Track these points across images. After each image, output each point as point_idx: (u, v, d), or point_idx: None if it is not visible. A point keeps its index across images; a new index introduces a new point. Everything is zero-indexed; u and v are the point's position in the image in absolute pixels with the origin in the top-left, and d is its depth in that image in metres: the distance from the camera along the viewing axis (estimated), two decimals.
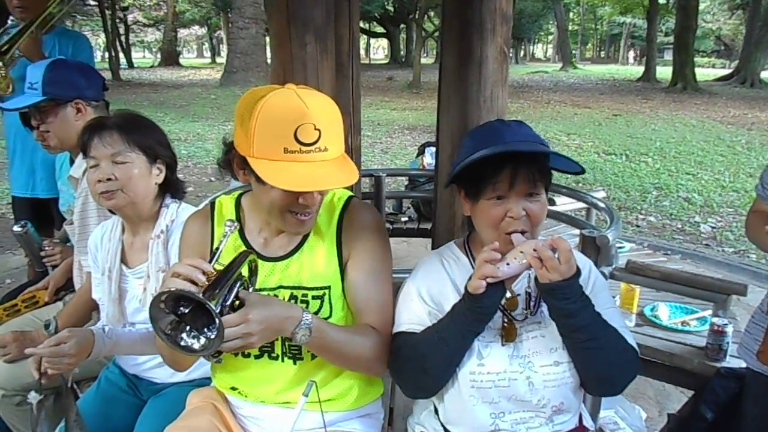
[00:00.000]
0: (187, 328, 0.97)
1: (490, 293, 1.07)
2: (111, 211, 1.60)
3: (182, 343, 0.97)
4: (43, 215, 2.62)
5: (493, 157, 1.10)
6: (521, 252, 1.05)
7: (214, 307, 0.92)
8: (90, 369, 1.74)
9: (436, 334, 1.14)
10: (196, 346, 0.97)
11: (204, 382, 1.46)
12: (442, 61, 2.15)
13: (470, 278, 1.09)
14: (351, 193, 1.29)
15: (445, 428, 1.25)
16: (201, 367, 1.49)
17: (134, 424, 1.49)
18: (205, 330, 0.96)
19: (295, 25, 1.77)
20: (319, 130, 1.03)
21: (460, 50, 2.05)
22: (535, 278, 1.08)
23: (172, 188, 1.59)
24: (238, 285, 1.03)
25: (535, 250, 1.04)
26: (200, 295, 0.93)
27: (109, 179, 1.46)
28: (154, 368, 1.57)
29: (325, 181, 1.05)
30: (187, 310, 0.97)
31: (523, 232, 1.11)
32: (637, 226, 5.52)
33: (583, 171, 1.16)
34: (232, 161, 1.15)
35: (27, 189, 2.69)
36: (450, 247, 1.31)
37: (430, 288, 1.22)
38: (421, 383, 1.18)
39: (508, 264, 1.05)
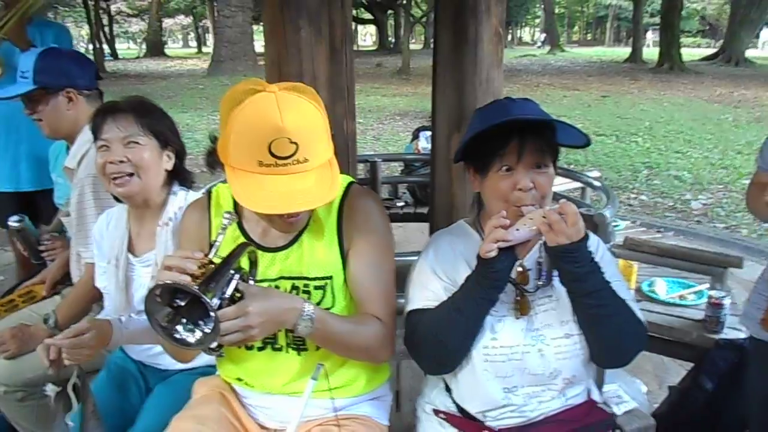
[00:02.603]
0: (183, 320, 0.95)
1: (502, 258, 1.08)
2: (116, 199, 1.58)
3: (177, 336, 0.95)
4: (29, 210, 2.55)
5: (501, 130, 1.10)
6: (530, 219, 1.07)
7: (208, 300, 0.90)
8: (94, 361, 1.73)
9: (452, 305, 1.15)
10: (191, 339, 0.95)
11: (210, 370, 1.45)
12: (437, 43, 2.13)
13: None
14: (351, 179, 1.26)
15: (458, 406, 1.26)
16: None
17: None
18: (201, 323, 0.94)
19: (288, 9, 1.75)
20: (295, 143, 0.99)
21: (454, 32, 2.03)
22: (545, 244, 1.09)
23: (180, 177, 1.58)
24: (237, 277, 1.01)
25: (544, 216, 1.05)
26: (195, 288, 0.91)
27: (121, 161, 1.44)
28: (158, 354, 1.55)
29: (300, 202, 1.01)
30: (183, 303, 0.95)
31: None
32: (630, 205, 5.56)
33: (589, 143, 1.17)
34: (218, 161, 1.10)
35: (11, 183, 2.61)
36: (460, 226, 1.31)
37: (443, 264, 1.22)
38: (440, 358, 1.19)
39: (518, 230, 1.07)
